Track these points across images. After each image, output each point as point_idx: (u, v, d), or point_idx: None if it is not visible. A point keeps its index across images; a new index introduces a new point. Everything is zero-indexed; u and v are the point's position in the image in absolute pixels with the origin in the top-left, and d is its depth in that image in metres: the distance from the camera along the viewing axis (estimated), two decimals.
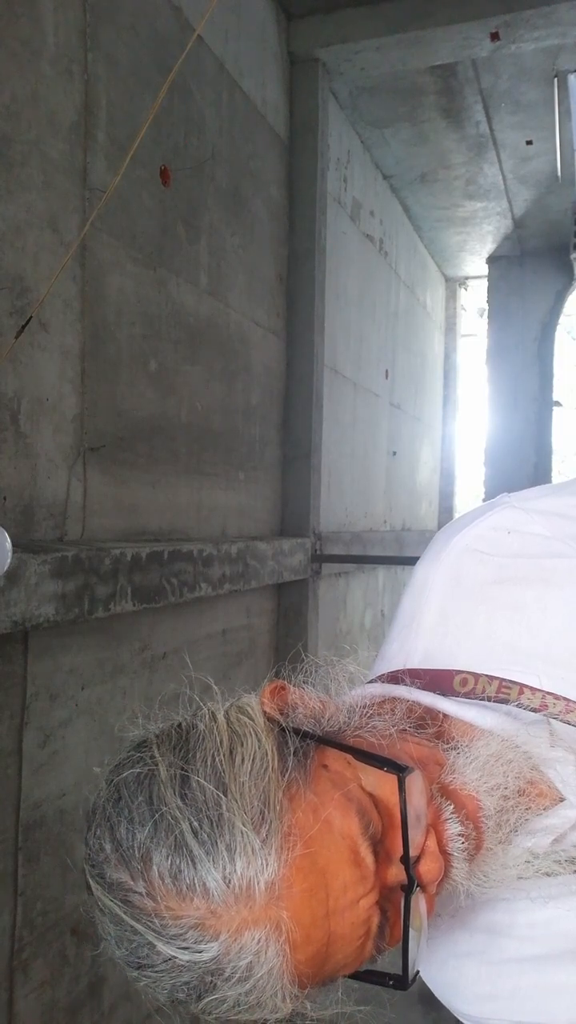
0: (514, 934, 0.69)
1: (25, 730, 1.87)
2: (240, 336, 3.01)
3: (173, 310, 2.52)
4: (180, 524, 2.60)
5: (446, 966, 0.72)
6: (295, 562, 3.30)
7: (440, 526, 3.14)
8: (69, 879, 1.99)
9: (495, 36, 3.20)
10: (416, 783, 0.60)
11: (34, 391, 1.90)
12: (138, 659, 2.31)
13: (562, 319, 6.21)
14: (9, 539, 1.41)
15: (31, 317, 1.81)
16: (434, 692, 0.72)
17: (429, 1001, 0.72)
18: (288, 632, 3.44)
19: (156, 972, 0.56)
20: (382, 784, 0.61)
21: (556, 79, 3.64)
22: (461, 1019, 0.72)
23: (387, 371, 4.91)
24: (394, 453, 5.13)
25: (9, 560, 1.42)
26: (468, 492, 7.83)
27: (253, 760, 0.59)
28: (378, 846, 0.59)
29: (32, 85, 1.86)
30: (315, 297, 3.50)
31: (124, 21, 2.21)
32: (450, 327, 6.79)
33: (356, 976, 0.62)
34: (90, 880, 0.59)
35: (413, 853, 0.59)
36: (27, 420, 1.88)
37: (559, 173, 4.45)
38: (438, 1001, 0.73)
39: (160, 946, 0.55)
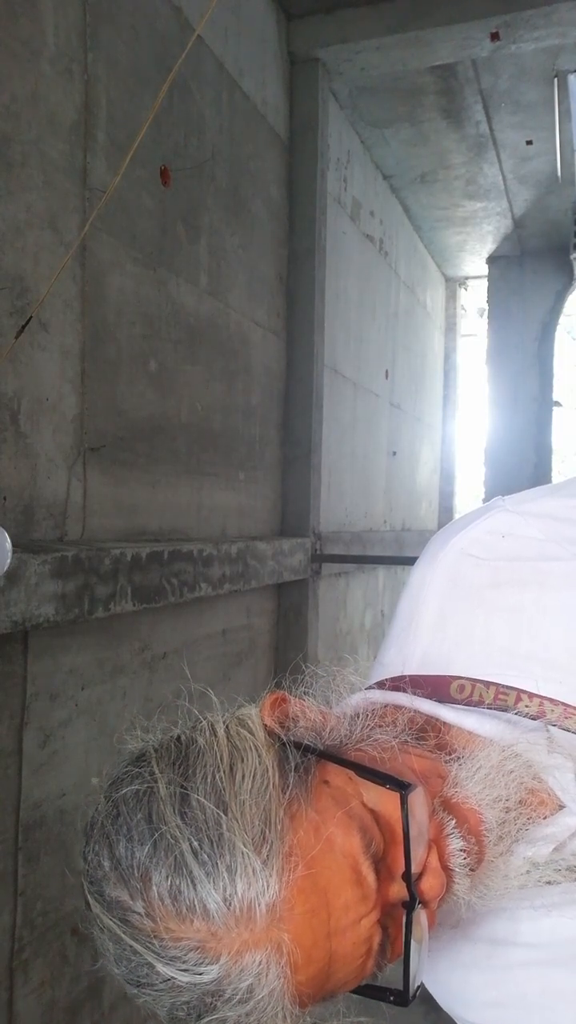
0: (518, 942, 0.68)
1: (25, 730, 1.87)
2: (240, 336, 3.01)
3: (173, 310, 2.52)
4: (180, 524, 2.60)
5: (450, 976, 0.71)
6: (295, 562, 3.30)
7: (440, 526, 3.14)
8: (69, 879, 1.99)
9: (495, 36, 3.20)
10: (419, 799, 0.60)
11: (34, 391, 1.90)
12: (138, 659, 2.31)
13: (562, 319, 6.20)
14: (9, 539, 1.41)
15: (31, 317, 1.81)
16: (433, 699, 0.71)
17: (429, 1002, 0.71)
18: (288, 632, 3.44)
19: (155, 991, 0.56)
20: (384, 800, 0.60)
21: (556, 79, 3.63)
22: None
23: (387, 371, 4.91)
24: (394, 453, 5.13)
25: (9, 560, 1.42)
26: (468, 492, 7.83)
27: (254, 777, 0.58)
28: (380, 864, 0.58)
29: (32, 85, 1.86)
30: (315, 297, 3.50)
31: (124, 21, 2.21)
32: (450, 327, 6.79)
33: (356, 991, 0.61)
34: (89, 897, 0.59)
35: (415, 870, 0.58)
36: (27, 420, 1.88)
37: (559, 173, 4.45)
38: (438, 1002, 0.73)
39: (159, 967, 0.54)
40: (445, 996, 0.72)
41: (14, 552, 1.49)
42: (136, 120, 2.23)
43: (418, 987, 0.59)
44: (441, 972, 0.71)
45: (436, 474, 6.54)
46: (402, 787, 0.59)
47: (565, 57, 3.47)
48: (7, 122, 1.79)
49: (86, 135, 2.06)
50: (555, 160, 4.32)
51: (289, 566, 3.23)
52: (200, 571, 2.42)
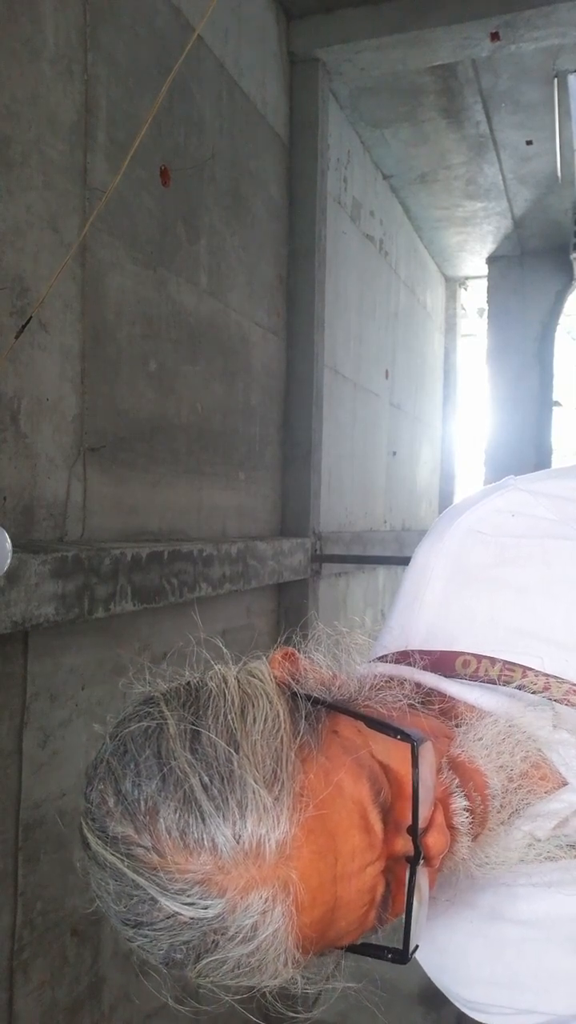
0: (515, 919, 0.68)
1: (25, 730, 1.87)
2: (240, 336, 3.01)
3: (173, 310, 2.52)
4: (180, 524, 2.60)
5: (446, 950, 0.72)
6: (295, 562, 3.30)
7: None
8: (69, 879, 1.99)
9: (495, 36, 3.20)
10: (427, 754, 0.60)
11: (34, 391, 1.90)
12: (138, 659, 2.31)
13: (562, 319, 6.20)
14: (9, 539, 1.41)
15: (31, 317, 1.81)
16: (436, 674, 0.71)
17: (429, 1002, 0.72)
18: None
19: (155, 930, 0.54)
20: (393, 753, 0.60)
21: (556, 79, 3.63)
22: (459, 1005, 0.72)
23: (387, 371, 4.91)
24: (394, 453, 5.13)
25: (9, 560, 1.42)
26: (468, 492, 7.84)
27: (265, 720, 0.58)
28: (387, 815, 0.58)
29: (32, 85, 1.86)
30: (315, 297, 3.49)
31: (124, 21, 2.21)
32: (450, 327, 6.79)
33: (355, 949, 0.61)
34: (88, 835, 0.58)
35: (421, 825, 0.58)
36: (27, 420, 1.88)
37: (559, 173, 4.45)
38: (438, 1002, 0.73)
39: (163, 902, 0.53)
40: (440, 973, 0.72)
41: (14, 552, 1.49)
42: (136, 120, 2.23)
43: (416, 947, 0.59)
44: (438, 946, 0.71)
45: (436, 474, 6.54)
46: (412, 739, 0.59)
47: (565, 57, 3.47)
48: (7, 122, 1.79)
49: (86, 135, 2.06)
50: (555, 160, 4.32)
51: (289, 566, 3.22)
52: (200, 571, 2.42)
